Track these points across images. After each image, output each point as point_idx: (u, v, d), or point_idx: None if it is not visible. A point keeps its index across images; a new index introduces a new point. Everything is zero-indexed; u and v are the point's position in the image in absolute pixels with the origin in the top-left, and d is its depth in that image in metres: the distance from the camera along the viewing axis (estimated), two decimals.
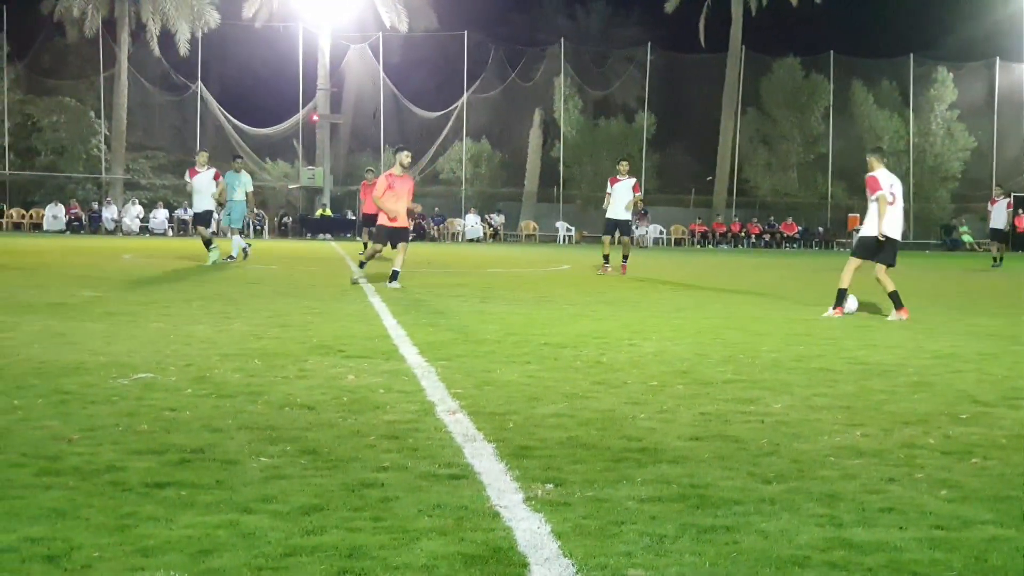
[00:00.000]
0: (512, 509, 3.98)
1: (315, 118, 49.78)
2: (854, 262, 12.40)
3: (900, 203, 12.50)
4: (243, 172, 23.02)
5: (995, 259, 28.31)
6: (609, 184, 20.34)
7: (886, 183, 12.34)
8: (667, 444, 5.16)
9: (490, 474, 4.49)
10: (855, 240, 12.96)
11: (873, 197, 12.25)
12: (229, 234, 23.04)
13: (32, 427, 5.23)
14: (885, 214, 12.18)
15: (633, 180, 20.30)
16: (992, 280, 22.31)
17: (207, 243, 21.10)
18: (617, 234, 20.25)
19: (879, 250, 12.27)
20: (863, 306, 12.69)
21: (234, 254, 22.15)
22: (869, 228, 12.39)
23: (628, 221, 20.28)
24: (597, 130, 54.02)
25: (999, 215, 28.45)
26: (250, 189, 22.96)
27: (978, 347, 9.39)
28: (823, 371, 7.70)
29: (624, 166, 20.41)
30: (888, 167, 12.66)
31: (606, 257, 20.73)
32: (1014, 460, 4.94)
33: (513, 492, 4.22)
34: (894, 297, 12.14)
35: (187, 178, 21.68)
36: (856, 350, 9.00)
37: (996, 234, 28.95)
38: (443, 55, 53.65)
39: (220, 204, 21.81)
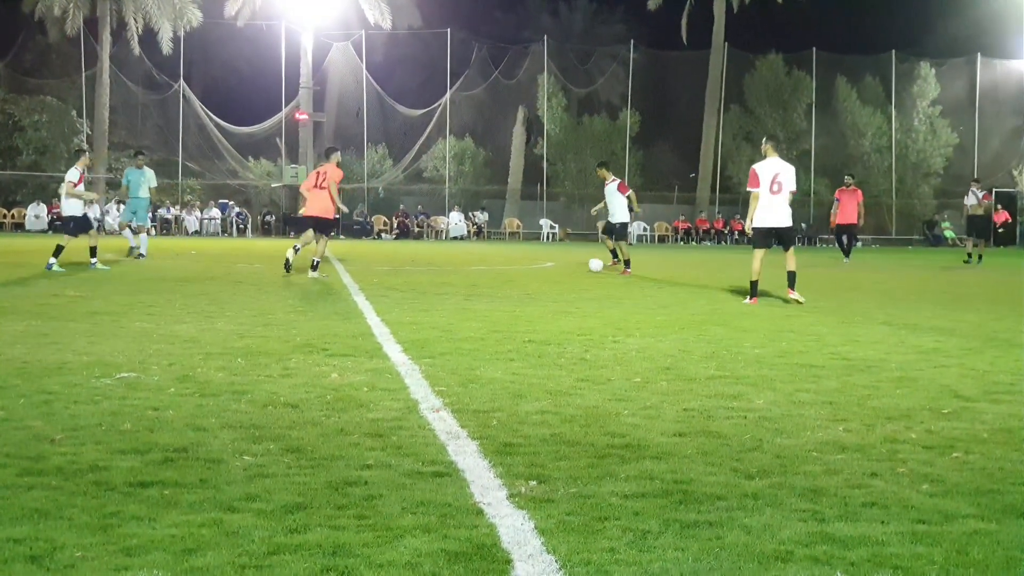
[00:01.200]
0: (496, 506, 3.99)
1: (302, 117, 49.70)
2: (758, 253, 13.64)
3: (786, 192, 13.44)
4: (146, 168, 22.76)
5: (969, 255, 27.42)
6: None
7: (767, 176, 13.34)
8: (651, 440, 5.17)
9: (474, 471, 4.50)
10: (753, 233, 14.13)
11: (749, 190, 13.63)
12: (128, 231, 22.98)
13: (14, 427, 5.21)
14: (755, 208, 13.49)
15: (616, 181, 20.39)
16: (974, 276, 22.40)
17: (59, 248, 18.01)
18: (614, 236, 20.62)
19: (776, 238, 13.57)
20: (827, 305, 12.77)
21: (143, 250, 22.16)
22: (758, 220, 13.55)
23: (614, 223, 20.35)
24: (581, 128, 54.08)
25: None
26: (153, 185, 22.77)
27: (961, 342, 9.44)
28: (806, 367, 7.72)
29: (601, 172, 20.84)
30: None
31: (614, 252, 20.75)
32: (995, 454, 4.97)
33: (497, 489, 4.22)
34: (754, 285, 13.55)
35: (75, 180, 18.24)
36: (839, 346, 9.03)
37: (973, 226, 27.99)
38: (426, 53, 53.63)
39: (121, 201, 22.00)
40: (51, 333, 8.91)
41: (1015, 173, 52.42)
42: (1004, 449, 5.08)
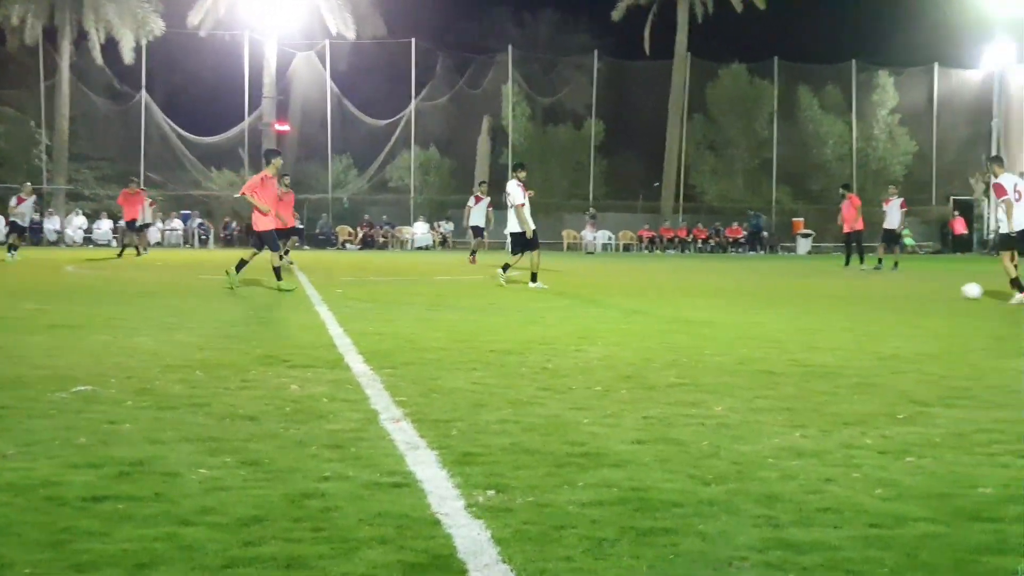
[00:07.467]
0: (453, 516, 3.99)
1: (279, 127, 49.68)
2: (1006, 255, 15.12)
3: None
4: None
5: (880, 260, 28.00)
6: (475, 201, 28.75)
7: (1010, 186, 15.13)
8: (610, 448, 5.18)
9: (432, 481, 4.49)
10: (995, 238, 16.12)
11: (999, 201, 15.26)
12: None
13: None
14: (1012, 214, 14.97)
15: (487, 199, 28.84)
16: (937, 283, 22.62)
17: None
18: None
19: (1020, 242, 15.05)
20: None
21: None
22: (1008, 226, 15.13)
23: (477, 227, 28.96)
24: (546, 137, 54.14)
25: (892, 216, 28.47)
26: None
27: (918, 348, 9.54)
28: (766, 373, 7.78)
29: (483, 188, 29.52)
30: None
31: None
32: (948, 458, 5.02)
33: (455, 499, 4.22)
34: (1015, 283, 14.84)
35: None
36: (799, 352, 9.10)
37: (887, 235, 28.77)
38: (391, 62, 53.50)
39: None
40: (8, 346, 8.82)
41: (972, 181, 52.96)
42: (956, 453, 5.14)
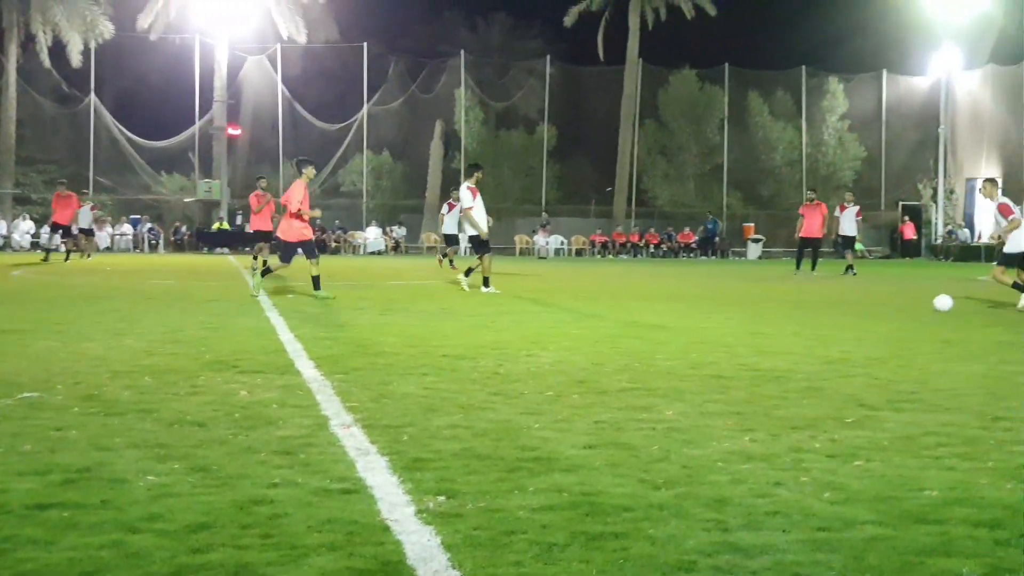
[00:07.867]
0: (403, 522, 3.97)
1: (231, 131, 49.38)
2: (999, 269, 15.31)
3: None
4: None
5: (850, 266, 27.80)
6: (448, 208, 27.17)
7: (1013, 205, 15.51)
8: (561, 453, 5.19)
9: (382, 488, 4.47)
10: (1000, 255, 15.65)
11: (1008, 220, 15.28)
12: None
13: None
14: (1012, 230, 15.07)
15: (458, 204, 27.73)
16: (880, 286, 22.90)
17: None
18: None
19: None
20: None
21: None
22: (1013, 245, 15.22)
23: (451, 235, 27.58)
24: (498, 141, 54.15)
25: (847, 222, 28.49)
26: None
27: (867, 352, 9.65)
28: (716, 378, 7.83)
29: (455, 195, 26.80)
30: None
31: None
32: (895, 461, 5.08)
33: (405, 505, 4.21)
34: (1017, 286, 14.99)
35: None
36: (749, 357, 9.17)
37: (846, 241, 28.85)
38: (343, 66, 53.27)
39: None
40: None
41: (920, 187, 53.67)
42: (903, 456, 5.20)
